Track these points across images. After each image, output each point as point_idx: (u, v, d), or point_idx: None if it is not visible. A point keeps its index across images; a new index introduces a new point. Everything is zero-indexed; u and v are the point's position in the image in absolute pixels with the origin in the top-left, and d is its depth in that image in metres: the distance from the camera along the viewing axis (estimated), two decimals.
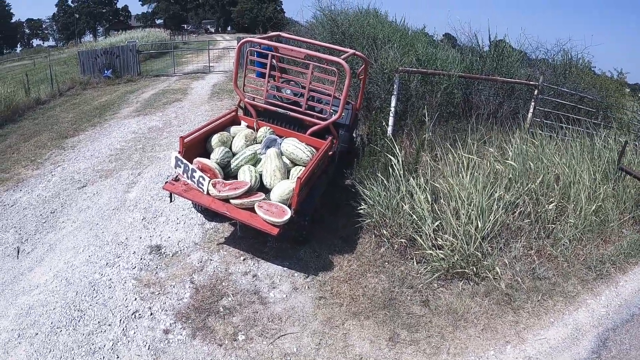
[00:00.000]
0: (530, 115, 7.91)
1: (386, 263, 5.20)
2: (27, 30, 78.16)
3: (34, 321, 4.26)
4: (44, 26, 79.40)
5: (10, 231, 5.93)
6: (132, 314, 4.34)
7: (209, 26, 75.12)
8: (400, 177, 5.62)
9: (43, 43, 77.20)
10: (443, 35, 12.40)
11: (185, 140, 5.03)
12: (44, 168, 7.98)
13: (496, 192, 5.39)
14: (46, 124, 11.06)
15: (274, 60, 6.25)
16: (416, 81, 7.69)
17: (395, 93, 7.09)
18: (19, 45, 74.32)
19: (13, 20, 72.94)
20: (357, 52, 6.71)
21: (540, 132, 6.97)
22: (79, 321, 4.25)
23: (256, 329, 4.23)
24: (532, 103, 7.93)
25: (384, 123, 7.18)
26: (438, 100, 7.54)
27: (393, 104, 7.11)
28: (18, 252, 5.48)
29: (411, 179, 5.59)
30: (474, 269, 4.93)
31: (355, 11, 11.84)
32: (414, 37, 10.07)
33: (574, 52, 9.73)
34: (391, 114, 7.12)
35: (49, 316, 4.32)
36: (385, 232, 5.45)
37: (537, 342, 4.26)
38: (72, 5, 74.60)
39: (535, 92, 7.89)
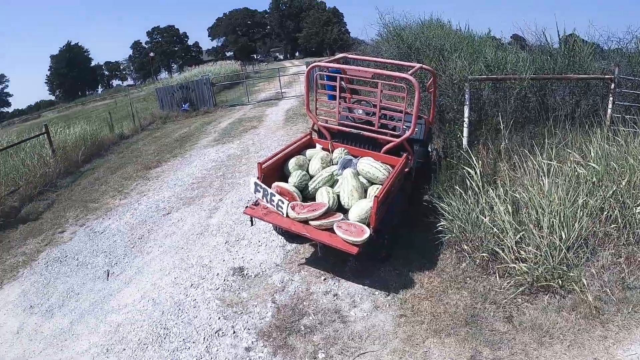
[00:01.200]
0: (609, 111, 7.26)
1: (468, 279, 5.03)
2: (106, 72, 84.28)
3: (122, 337, 4.56)
4: (121, 67, 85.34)
5: (100, 256, 6.38)
6: (216, 332, 4.51)
7: (277, 54, 77.74)
8: (479, 189, 5.45)
9: (122, 83, 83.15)
10: (511, 37, 11.96)
11: (263, 166, 5.20)
12: (131, 197, 8.53)
13: (580, 198, 5.09)
14: (130, 157, 11.87)
15: (342, 82, 6.33)
16: (487, 89, 7.49)
17: (467, 103, 6.92)
18: (99, 86, 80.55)
19: (92, 64, 79.20)
20: (424, 66, 6.62)
21: (623, 128, 6.52)
22: (164, 338, 4.48)
23: (336, 347, 4.23)
24: (610, 98, 7.29)
25: (458, 135, 7.04)
26: (512, 106, 7.26)
27: (466, 114, 6.95)
28: (108, 274, 5.89)
29: (490, 190, 5.40)
30: (560, 282, 4.61)
31: (418, 24, 11.77)
32: (481, 42, 9.82)
33: None
34: (465, 125, 6.95)
35: (137, 333, 4.60)
36: (465, 246, 5.27)
37: (627, 358, 3.90)
38: (146, 46, 79.76)
39: (612, 85, 7.29)
